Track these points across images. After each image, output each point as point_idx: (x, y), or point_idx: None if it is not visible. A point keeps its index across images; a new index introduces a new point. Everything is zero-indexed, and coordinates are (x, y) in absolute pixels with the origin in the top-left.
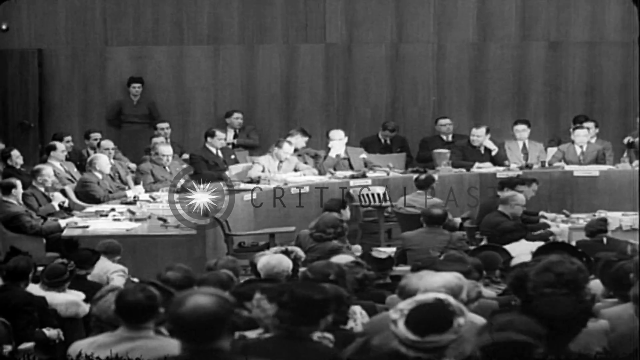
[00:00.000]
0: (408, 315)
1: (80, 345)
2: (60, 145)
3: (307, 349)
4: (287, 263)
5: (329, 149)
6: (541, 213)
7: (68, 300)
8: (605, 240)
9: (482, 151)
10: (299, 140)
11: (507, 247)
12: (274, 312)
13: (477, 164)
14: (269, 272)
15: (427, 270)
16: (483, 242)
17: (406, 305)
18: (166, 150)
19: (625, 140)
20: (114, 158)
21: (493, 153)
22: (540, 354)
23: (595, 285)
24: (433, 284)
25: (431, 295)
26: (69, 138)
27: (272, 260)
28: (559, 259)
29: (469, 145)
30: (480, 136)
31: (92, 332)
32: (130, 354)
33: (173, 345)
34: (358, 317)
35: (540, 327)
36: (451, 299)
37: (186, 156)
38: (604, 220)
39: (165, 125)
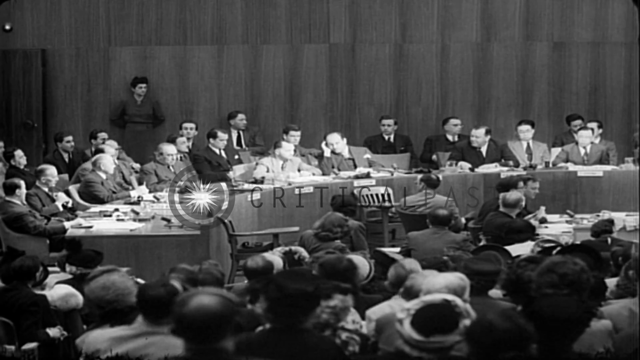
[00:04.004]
0: (414, 315)
1: (97, 336)
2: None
3: (306, 341)
4: (277, 263)
5: (322, 151)
6: (542, 211)
7: (64, 293)
8: (609, 240)
9: (484, 153)
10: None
11: (510, 247)
12: (265, 307)
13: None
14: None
15: (432, 270)
16: (482, 243)
17: (413, 305)
18: (170, 149)
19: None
20: (118, 158)
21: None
22: (532, 351)
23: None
24: (435, 285)
25: (438, 296)
26: (69, 138)
27: None
28: (562, 259)
29: (468, 146)
30: (479, 137)
31: (88, 316)
32: (145, 349)
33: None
34: (356, 317)
35: (531, 326)
36: (458, 301)
37: None
38: (611, 222)
39: (191, 125)
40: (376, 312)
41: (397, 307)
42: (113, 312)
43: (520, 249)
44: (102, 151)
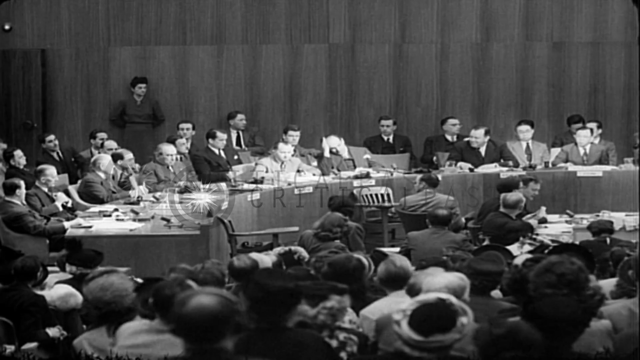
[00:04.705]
0: (411, 315)
1: (126, 328)
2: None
3: (292, 338)
4: (267, 261)
5: (322, 151)
6: (543, 211)
7: (64, 293)
8: (608, 240)
9: (483, 154)
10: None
11: (508, 247)
12: (247, 306)
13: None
14: None
15: (436, 267)
16: (485, 242)
17: (409, 305)
18: (169, 150)
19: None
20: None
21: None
22: (539, 356)
23: (606, 284)
24: (435, 284)
25: (433, 295)
26: (51, 137)
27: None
28: (559, 259)
29: (468, 147)
30: (479, 137)
31: (87, 316)
32: (151, 346)
33: None
34: (352, 317)
35: (539, 334)
36: (453, 299)
37: None
38: (611, 222)
39: (188, 125)
40: (371, 311)
41: (392, 305)
42: (110, 314)
43: (517, 251)
44: (120, 156)
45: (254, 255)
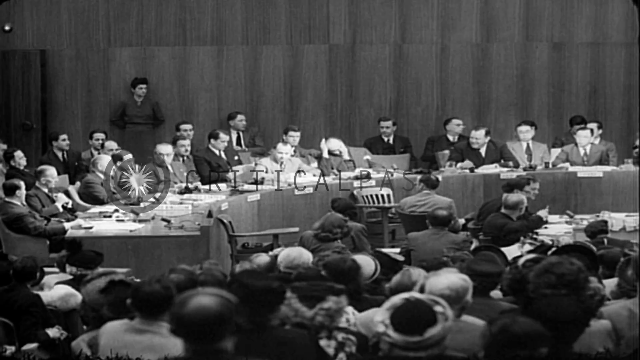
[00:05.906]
0: (394, 323)
1: (108, 328)
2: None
3: (278, 337)
4: (307, 256)
5: (321, 152)
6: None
7: (64, 293)
8: (605, 241)
9: (483, 154)
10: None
11: (509, 248)
12: None
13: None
14: (289, 264)
15: (448, 269)
16: (474, 244)
17: (382, 315)
18: (164, 149)
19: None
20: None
21: None
22: (543, 352)
23: (607, 284)
24: (438, 285)
25: (396, 298)
26: (64, 136)
27: (292, 252)
28: (558, 260)
29: (468, 147)
30: (479, 138)
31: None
32: (130, 347)
33: (176, 346)
34: (350, 317)
35: (542, 327)
36: (415, 294)
37: None
38: (605, 222)
39: (189, 126)
40: (361, 319)
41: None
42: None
43: (518, 250)
44: (119, 157)
45: (296, 249)
